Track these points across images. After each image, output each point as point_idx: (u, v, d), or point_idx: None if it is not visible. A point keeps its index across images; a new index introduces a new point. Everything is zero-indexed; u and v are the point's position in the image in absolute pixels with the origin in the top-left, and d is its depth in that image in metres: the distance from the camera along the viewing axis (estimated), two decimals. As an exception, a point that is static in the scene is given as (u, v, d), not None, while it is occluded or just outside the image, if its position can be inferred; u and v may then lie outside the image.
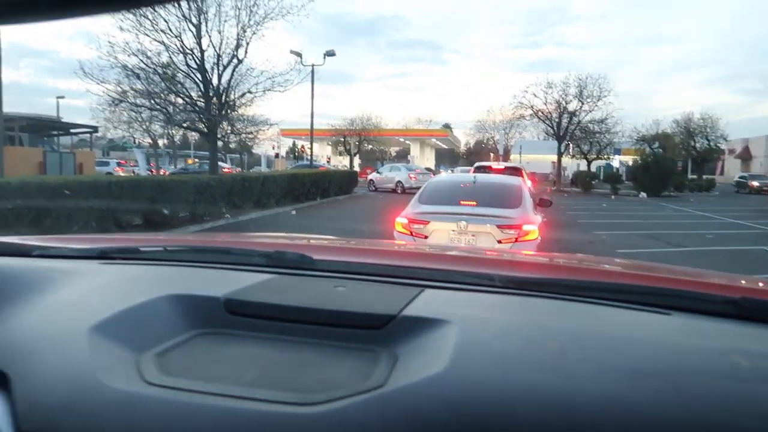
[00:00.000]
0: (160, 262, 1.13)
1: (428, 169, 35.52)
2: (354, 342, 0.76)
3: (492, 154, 57.83)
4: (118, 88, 16.26)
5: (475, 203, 6.04)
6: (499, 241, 5.69)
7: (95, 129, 26.72)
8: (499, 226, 5.67)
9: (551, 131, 37.68)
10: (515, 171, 15.57)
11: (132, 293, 0.86)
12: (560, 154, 37.27)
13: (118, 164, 34.15)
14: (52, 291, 0.87)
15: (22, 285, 0.87)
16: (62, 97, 43.55)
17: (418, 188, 7.68)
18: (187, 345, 0.75)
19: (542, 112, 36.87)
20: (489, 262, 1.30)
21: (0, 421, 0.59)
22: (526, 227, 5.71)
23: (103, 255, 1.18)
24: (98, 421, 0.59)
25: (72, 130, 27.22)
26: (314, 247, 1.35)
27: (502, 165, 18.84)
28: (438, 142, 63.58)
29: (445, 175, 11.25)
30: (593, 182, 34.66)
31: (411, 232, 5.92)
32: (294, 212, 15.50)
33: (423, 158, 56.66)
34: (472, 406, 0.59)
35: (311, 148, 31.45)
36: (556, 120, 36.54)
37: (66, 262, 1.14)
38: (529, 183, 12.37)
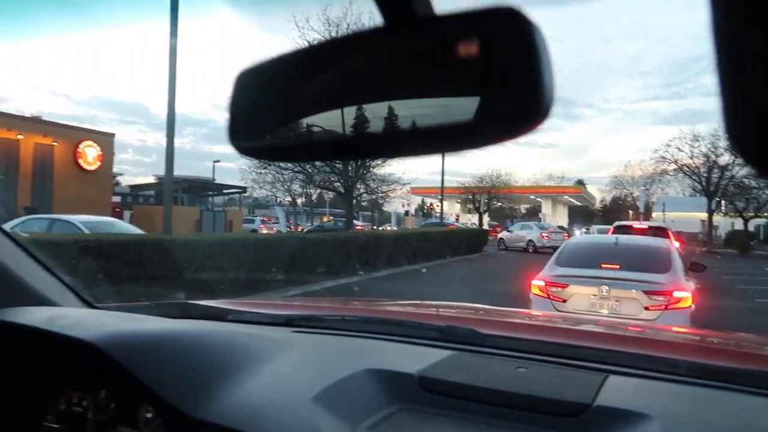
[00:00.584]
0: (341, 331, 1.24)
1: (561, 228, 34.26)
2: (547, 429, 0.78)
3: (631, 212, 54.49)
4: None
5: (617, 266, 5.73)
6: (647, 308, 5.32)
7: (244, 189, 29.26)
8: (646, 292, 5.32)
9: (699, 187, 34.85)
10: (660, 231, 14.51)
11: (333, 365, 0.96)
12: (711, 212, 34.21)
13: (262, 221, 36.81)
14: (266, 360, 0.99)
15: (240, 352, 1.01)
16: (218, 161, 48.44)
17: (550, 248, 7.46)
18: (393, 420, 0.82)
19: (688, 167, 34.34)
20: (668, 345, 1.26)
21: None
22: (677, 294, 5.29)
23: (289, 323, 1.31)
24: None
25: (224, 191, 30.05)
26: (481, 321, 1.39)
27: (645, 224, 17.69)
28: (571, 199, 61.26)
29: (583, 236, 10.80)
30: (751, 243, 31.25)
31: (548, 296, 5.74)
32: (424, 270, 15.63)
33: (555, 216, 54.79)
34: None
35: (441, 207, 31.79)
36: (705, 175, 33.79)
37: (259, 328, 1.28)
38: (676, 244, 11.49)
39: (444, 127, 0.44)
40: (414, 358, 0.98)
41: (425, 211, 61.72)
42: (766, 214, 34.80)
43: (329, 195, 39.51)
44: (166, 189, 11.93)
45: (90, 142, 22.03)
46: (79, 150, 21.55)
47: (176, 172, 15.86)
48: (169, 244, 9.05)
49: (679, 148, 34.34)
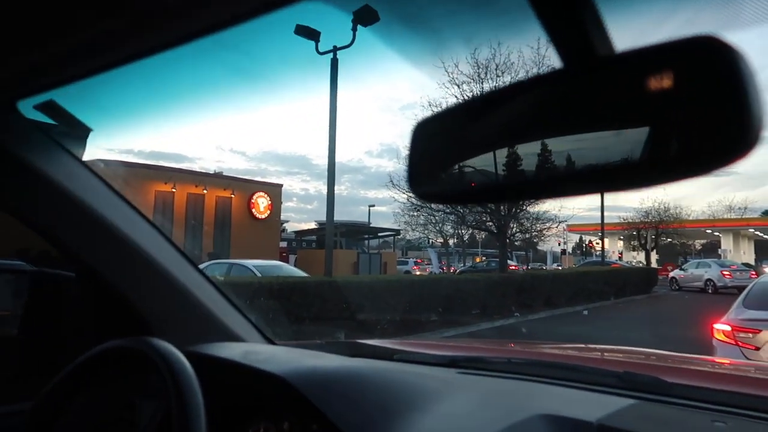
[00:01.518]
0: (508, 374, 1.20)
1: (747, 265, 30.35)
2: None
3: (836, 246, 46.78)
4: (419, 195, 18.23)
5: (820, 309, 4.95)
6: None
7: (398, 232, 30.09)
8: None
9: None
10: None
11: (504, 409, 0.94)
12: None
13: (415, 263, 37.46)
14: (437, 401, 0.99)
15: (413, 392, 1.03)
16: (372, 206, 50.63)
17: (733, 288, 6.65)
18: None
19: None
20: None
21: None
22: None
23: (453, 363, 1.31)
24: None
25: (379, 234, 31.19)
26: (665, 369, 1.28)
27: None
28: (758, 233, 54.22)
29: (775, 274, 9.48)
30: None
31: (736, 342, 5.09)
32: (586, 312, 14.71)
33: (738, 252, 48.79)
34: None
35: (603, 243, 29.93)
36: None
37: (425, 368, 1.29)
38: None
39: (633, 163, 0.43)
40: (590, 406, 0.92)
41: (584, 249, 58.51)
42: None
43: (481, 235, 39.10)
44: (327, 234, 12.71)
45: (262, 193, 24.32)
46: (252, 200, 23.87)
47: (335, 218, 16.88)
48: (330, 285, 9.55)
49: None
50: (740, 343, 5.06)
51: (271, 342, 1.45)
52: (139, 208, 1.33)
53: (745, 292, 5.86)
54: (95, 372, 1.05)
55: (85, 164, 1.26)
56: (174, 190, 21.20)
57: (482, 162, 0.55)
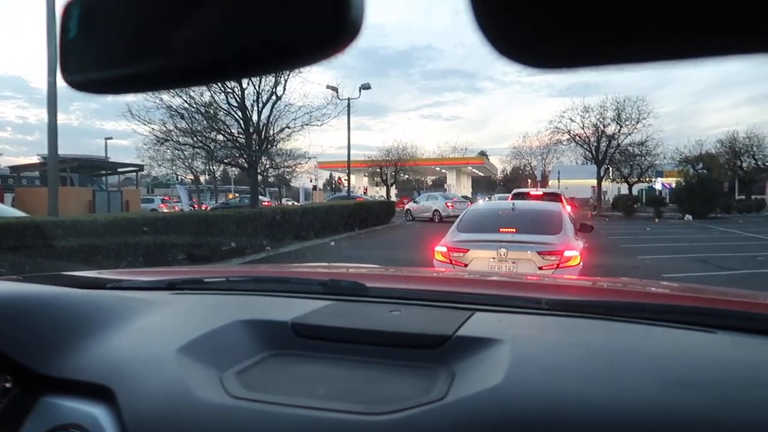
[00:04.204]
0: (224, 291, 1.21)
1: (465, 197, 35.45)
2: (413, 361, 0.82)
3: (530, 181, 57.34)
4: (163, 128, 16.97)
5: (514, 230, 6.04)
6: (540, 268, 5.66)
7: (141, 168, 27.75)
8: (539, 253, 5.65)
9: (590, 155, 37.26)
10: (554, 197, 15.40)
11: (206, 319, 0.94)
12: (600, 178, 36.73)
13: (162, 201, 35.19)
14: (136, 318, 0.95)
15: (107, 313, 0.96)
16: (110, 138, 45.48)
17: (455, 217, 7.71)
18: (263, 364, 0.82)
19: (580, 137, 36.55)
20: (535, 286, 1.35)
21: (110, 429, 0.66)
22: (567, 253, 5.66)
23: (171, 286, 1.27)
24: (195, 430, 0.66)
25: (119, 170, 28.33)
26: (366, 276, 1.42)
27: (540, 191, 18.69)
28: (474, 170, 63.48)
29: (483, 203, 11.24)
30: (635, 206, 33.96)
31: (451, 261, 5.95)
32: (333, 243, 15.67)
33: (460, 186, 56.59)
34: (529, 414, 0.64)
35: (348, 180, 31.86)
36: (594, 144, 36.13)
37: (139, 293, 1.23)
38: (568, 208, 12.25)
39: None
40: (293, 310, 0.98)
41: (334, 185, 61.63)
42: (647, 180, 37.86)
43: (234, 172, 38.36)
44: (50, 169, 11.07)
45: (-41, 119, 19.94)
46: (-54, 128, 19.46)
47: (64, 151, 14.76)
48: (55, 226, 8.42)
49: (571, 119, 36.47)
50: (453, 261, 5.92)
51: None
52: None
53: (458, 218, 6.85)
54: None
55: None
56: None
57: (142, 44, 0.51)
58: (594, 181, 37.90)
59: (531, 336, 0.87)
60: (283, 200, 40.79)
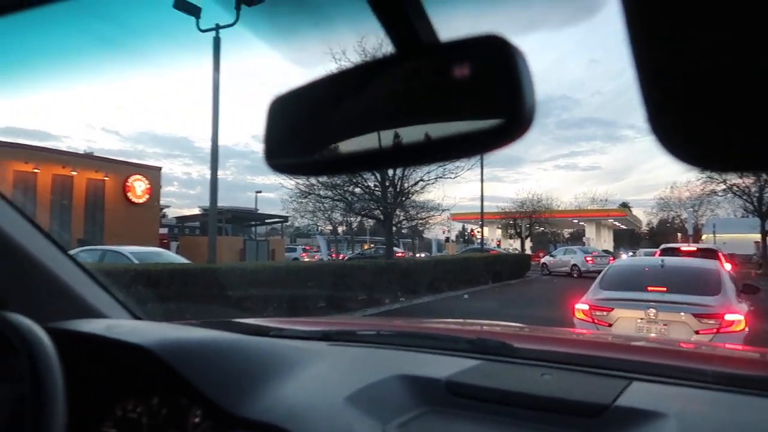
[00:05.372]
0: (375, 345, 1.28)
1: (606, 252, 33.46)
2: (569, 429, 0.81)
3: (679, 235, 52.82)
4: (307, 182, 18.18)
5: (665, 289, 5.59)
6: (697, 332, 5.16)
7: (286, 219, 29.74)
8: (696, 315, 5.16)
9: (751, 207, 33.63)
10: (710, 253, 13.99)
11: (365, 371, 1.01)
12: (765, 233, 32.89)
13: (304, 250, 37.22)
14: (304, 367, 1.05)
15: (280, 360, 1.07)
16: (259, 192, 49.52)
17: (595, 272, 7.31)
18: (421, 420, 0.87)
19: (738, 186, 33.23)
20: (697, 355, 1.26)
21: None
22: (729, 317, 5.12)
23: (326, 337, 1.37)
24: None
25: (266, 221, 30.64)
26: (512, 335, 1.42)
27: (693, 246, 17.14)
28: (616, 223, 59.88)
29: (628, 259, 10.54)
30: (811, 264, 29.87)
31: (593, 320, 5.63)
32: (466, 297, 15.49)
33: (600, 240, 53.58)
34: None
35: (482, 232, 31.59)
36: (756, 194, 32.62)
37: (298, 342, 1.34)
38: (728, 266, 11.10)
39: (440, 138, 0.51)
40: (444, 367, 1.02)
41: (466, 237, 61.33)
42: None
43: (369, 223, 39.76)
44: (210, 220, 12.29)
45: (138, 176, 22.92)
46: (128, 184, 22.43)
47: (220, 203, 16.33)
48: (214, 272, 9.28)
49: (728, 168, 33.24)
50: (596, 321, 5.59)
51: (137, 319, 1.42)
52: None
53: (601, 275, 6.49)
54: None
55: None
56: (37, 171, 19.41)
57: (331, 136, 0.61)
58: (757, 236, 33.99)
59: (698, 412, 0.82)
60: (435, 252, 41.30)
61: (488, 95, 0.47)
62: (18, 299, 1.23)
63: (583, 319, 5.71)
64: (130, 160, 26.07)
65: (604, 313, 5.58)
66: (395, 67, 0.55)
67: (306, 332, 1.44)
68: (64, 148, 27.04)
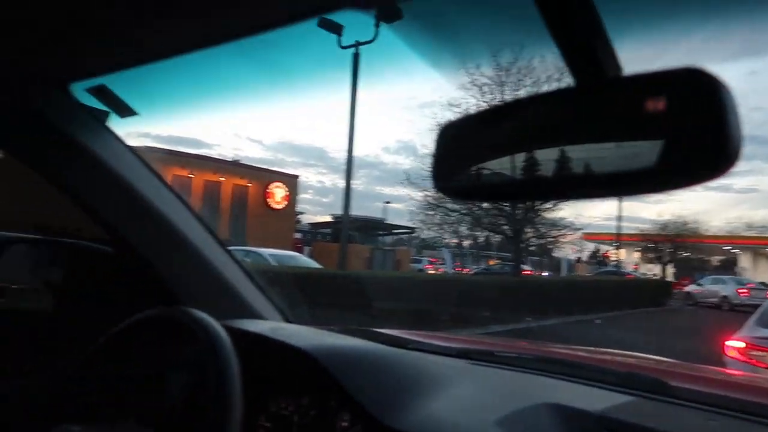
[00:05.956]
0: (516, 368, 1.26)
1: (764, 285, 29.92)
2: None
3: None
4: (436, 194, 18.28)
5: (840, 330, 4.91)
6: None
7: (413, 230, 30.12)
8: None
9: None
10: None
11: (510, 396, 1.00)
12: None
13: (429, 262, 37.42)
14: (448, 385, 1.06)
15: (425, 376, 1.09)
16: (388, 202, 50.69)
17: (750, 306, 6.59)
18: None
19: None
20: None
21: None
22: None
23: (465, 355, 1.37)
24: None
25: (394, 231, 31.26)
26: (665, 372, 1.33)
27: None
28: (777, 252, 53.39)
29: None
30: None
31: (748, 359, 5.07)
32: (599, 321, 14.64)
33: (756, 271, 48.05)
34: None
35: (618, 255, 29.74)
36: None
37: (438, 357, 1.35)
38: None
39: (626, 171, 0.49)
40: (593, 399, 0.97)
41: (599, 258, 58.01)
42: None
43: (496, 238, 39.04)
44: (343, 227, 12.81)
45: (278, 184, 24.51)
46: (269, 190, 24.07)
47: (351, 212, 16.97)
48: (344, 278, 9.65)
49: None
50: (753, 361, 5.04)
51: (290, 322, 1.52)
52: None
53: (759, 310, 5.83)
54: (129, 341, 1.12)
55: (127, 145, 1.34)
56: (191, 176, 21.44)
57: (500, 164, 0.62)
58: None
59: None
60: (564, 272, 39.80)
61: (689, 130, 0.45)
62: (189, 295, 1.37)
63: (736, 358, 5.16)
64: (271, 168, 27.98)
65: (764, 353, 5.01)
66: (576, 99, 0.55)
67: (444, 348, 1.45)
68: (214, 156, 29.68)
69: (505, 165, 0.61)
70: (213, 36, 0.89)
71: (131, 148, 1.35)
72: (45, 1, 0.86)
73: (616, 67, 0.52)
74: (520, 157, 0.60)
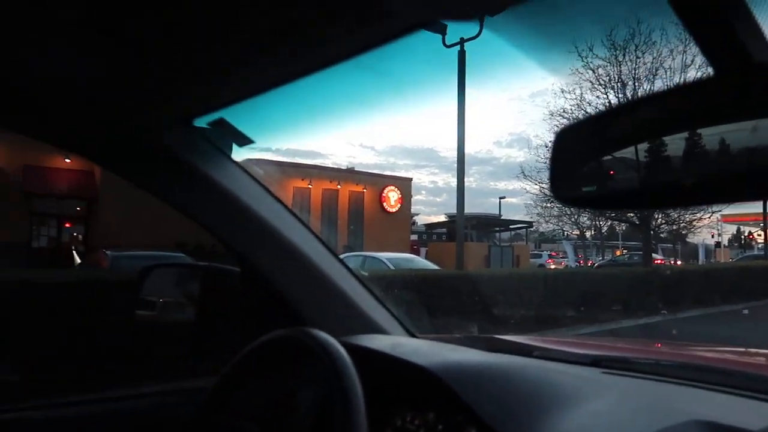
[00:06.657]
0: (655, 377, 1.16)
1: None
2: None
3: None
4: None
5: None
6: None
7: (530, 224, 29.25)
8: None
9: None
10: None
11: (654, 411, 0.92)
12: None
13: (550, 256, 36.13)
14: (582, 399, 1.00)
15: (553, 387, 1.04)
16: (503, 198, 49.63)
17: None
18: None
19: None
20: None
21: None
22: None
23: (596, 363, 1.28)
24: None
25: (510, 226, 30.53)
26: None
27: None
28: None
29: None
30: None
31: None
32: (746, 312, 13.28)
33: None
34: None
35: (766, 235, 26.85)
36: None
37: (566, 366, 1.28)
38: None
39: None
40: (751, 414, 0.87)
41: (743, 241, 52.65)
42: None
43: (621, 227, 36.76)
44: (458, 226, 12.72)
45: (392, 187, 24.93)
46: (383, 195, 24.56)
47: (464, 210, 16.82)
48: (463, 279, 9.57)
49: None
50: None
51: (412, 335, 1.52)
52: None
53: None
54: (262, 358, 1.17)
55: (248, 172, 1.41)
56: (310, 186, 22.41)
57: (626, 169, 0.56)
58: None
59: None
60: (702, 259, 36.81)
61: None
62: (312, 313, 1.42)
63: None
64: (384, 173, 28.52)
65: None
66: (715, 89, 0.48)
67: (573, 355, 1.37)
68: (330, 165, 30.84)
69: (632, 170, 0.56)
70: (330, 57, 0.91)
71: (252, 176, 1.42)
72: (176, 45, 0.93)
73: (764, 49, 0.44)
74: (651, 160, 0.54)
